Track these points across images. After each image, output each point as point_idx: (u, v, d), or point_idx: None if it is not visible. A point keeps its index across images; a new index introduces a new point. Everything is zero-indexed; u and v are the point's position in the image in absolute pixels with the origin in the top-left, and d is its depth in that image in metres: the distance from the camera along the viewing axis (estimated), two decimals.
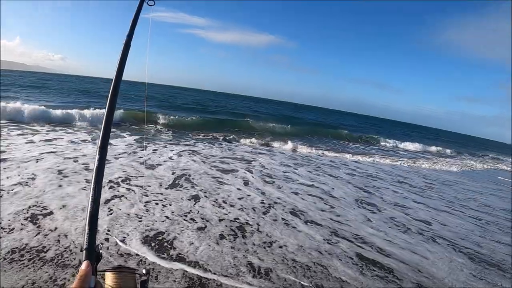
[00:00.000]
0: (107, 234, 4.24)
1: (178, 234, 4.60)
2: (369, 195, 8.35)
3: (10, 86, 23.86)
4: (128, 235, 4.31)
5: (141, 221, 4.84)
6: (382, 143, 23.76)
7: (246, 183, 7.72)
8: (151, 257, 3.78)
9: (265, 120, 21.02)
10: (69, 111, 13.12)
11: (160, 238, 4.33)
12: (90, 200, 0.72)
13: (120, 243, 4.03)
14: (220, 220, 5.27)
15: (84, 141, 10.07)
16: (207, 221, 5.17)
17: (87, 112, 13.28)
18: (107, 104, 0.85)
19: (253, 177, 8.38)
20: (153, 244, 4.09)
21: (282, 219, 5.75)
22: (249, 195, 6.79)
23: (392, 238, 5.61)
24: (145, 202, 5.58)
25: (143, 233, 4.44)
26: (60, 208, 4.80)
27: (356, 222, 6.23)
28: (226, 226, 5.04)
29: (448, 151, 26.55)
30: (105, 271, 0.69)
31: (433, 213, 7.77)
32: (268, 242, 4.67)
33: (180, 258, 3.84)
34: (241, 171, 8.85)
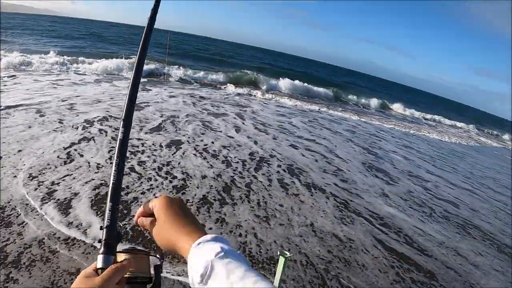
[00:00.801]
0: (50, 187, 3.36)
1: (142, 194, 3.58)
2: (375, 157, 7.51)
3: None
4: (79, 193, 3.37)
5: (97, 173, 3.84)
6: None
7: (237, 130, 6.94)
8: (93, 231, 2.87)
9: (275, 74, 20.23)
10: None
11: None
12: (113, 173, 0.65)
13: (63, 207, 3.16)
14: (203, 177, 4.34)
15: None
16: (188, 177, 4.29)
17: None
18: (133, 72, 0.77)
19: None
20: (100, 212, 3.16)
21: (278, 180, 4.85)
22: (239, 145, 5.88)
23: (418, 223, 4.60)
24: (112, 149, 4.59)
25: (96, 190, 3.46)
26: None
27: (369, 193, 5.28)
28: (211, 187, 4.18)
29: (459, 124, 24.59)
30: (117, 252, 0.62)
31: (455, 192, 6.76)
32: (262, 217, 3.74)
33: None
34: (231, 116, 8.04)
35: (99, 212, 3.09)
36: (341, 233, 3.74)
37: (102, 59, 13.14)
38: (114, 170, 0.65)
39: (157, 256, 0.66)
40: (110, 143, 4.82)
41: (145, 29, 0.84)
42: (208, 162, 4.91)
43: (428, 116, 23.36)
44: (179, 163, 4.61)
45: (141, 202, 3.41)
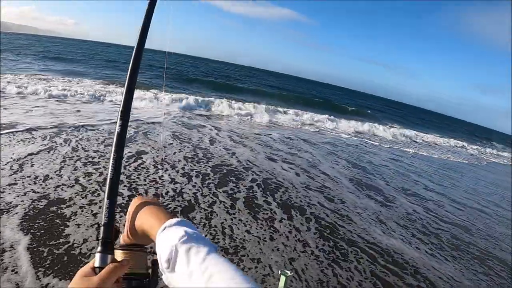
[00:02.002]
0: None
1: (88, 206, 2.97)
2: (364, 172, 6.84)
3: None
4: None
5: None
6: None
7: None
8: None
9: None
10: None
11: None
12: (110, 169, 0.63)
13: None
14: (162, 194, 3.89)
15: None
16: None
17: None
18: (130, 65, 0.74)
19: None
20: None
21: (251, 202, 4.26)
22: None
23: (431, 261, 3.86)
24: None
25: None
26: None
27: (363, 221, 4.58)
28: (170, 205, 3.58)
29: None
30: (115, 248, 0.62)
31: (462, 212, 6.11)
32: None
33: None
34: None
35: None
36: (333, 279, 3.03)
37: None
38: (112, 165, 0.63)
39: (155, 251, 0.61)
40: None
41: (144, 15, 0.79)
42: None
43: (452, 142, 21.56)
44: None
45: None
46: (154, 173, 4.50)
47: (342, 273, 3.13)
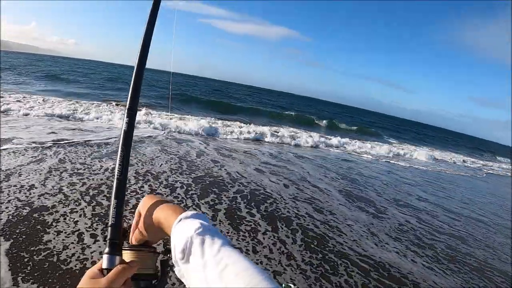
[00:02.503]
0: None
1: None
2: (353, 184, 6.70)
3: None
4: None
5: None
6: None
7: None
8: None
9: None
10: None
11: None
12: (117, 168, 0.62)
13: None
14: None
15: None
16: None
17: None
18: (137, 59, 0.72)
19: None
20: None
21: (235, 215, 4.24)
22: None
23: (430, 274, 3.78)
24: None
25: None
26: None
27: (354, 232, 4.55)
28: None
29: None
30: (123, 249, 0.61)
31: (460, 222, 6.07)
32: None
33: None
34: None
35: None
36: None
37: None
38: (119, 165, 0.62)
39: (164, 252, 0.64)
40: None
41: (151, 6, 0.78)
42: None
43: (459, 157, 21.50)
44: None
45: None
46: (134, 183, 4.59)
47: None
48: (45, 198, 3.67)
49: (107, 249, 0.56)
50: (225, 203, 4.52)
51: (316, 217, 4.70)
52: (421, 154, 16.71)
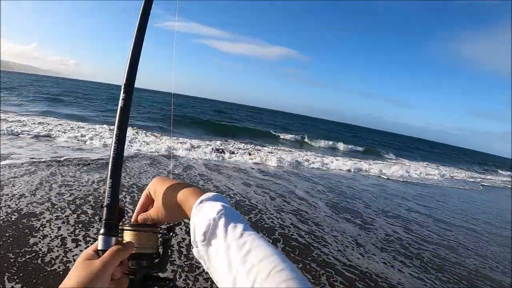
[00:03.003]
0: None
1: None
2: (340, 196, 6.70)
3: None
4: None
5: None
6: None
7: None
8: None
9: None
10: None
11: None
12: (113, 147, 0.60)
13: None
14: None
15: None
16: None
17: None
18: (135, 31, 0.69)
19: None
20: None
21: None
22: None
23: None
24: None
25: None
26: None
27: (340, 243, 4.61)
28: None
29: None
30: (123, 229, 0.61)
31: (451, 233, 6.01)
32: None
33: None
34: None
35: None
36: None
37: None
38: (115, 143, 0.60)
39: (166, 230, 0.64)
40: None
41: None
42: None
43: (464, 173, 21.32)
44: None
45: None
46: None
47: None
48: (33, 206, 3.84)
49: (102, 230, 0.55)
50: None
51: (301, 227, 4.79)
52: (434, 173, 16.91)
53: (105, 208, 0.57)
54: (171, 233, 0.64)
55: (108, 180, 0.58)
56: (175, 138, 11.92)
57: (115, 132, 0.61)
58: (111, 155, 0.59)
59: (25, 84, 32.04)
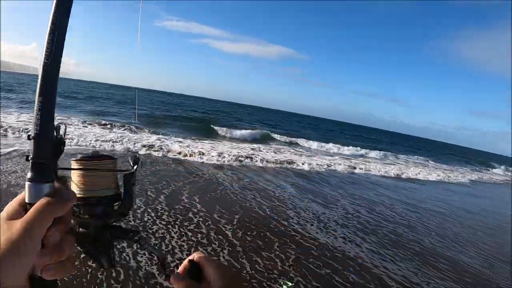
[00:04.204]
0: None
1: None
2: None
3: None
4: None
5: None
6: None
7: None
8: None
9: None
10: None
11: None
12: (43, 58, 0.40)
13: None
14: None
15: None
16: None
17: None
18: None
19: None
20: None
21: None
22: None
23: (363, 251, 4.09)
24: None
25: None
26: None
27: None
28: None
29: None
30: (68, 168, 0.43)
31: (417, 214, 6.09)
32: None
33: None
34: None
35: None
36: None
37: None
38: (45, 52, 0.40)
39: (130, 162, 0.48)
40: None
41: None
42: None
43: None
44: None
45: None
46: None
47: (260, 261, 3.28)
48: None
49: (29, 174, 0.39)
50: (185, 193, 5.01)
51: (264, 202, 5.17)
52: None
53: (32, 140, 0.39)
54: (136, 166, 0.48)
55: (37, 100, 0.39)
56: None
57: (46, 35, 0.40)
58: (41, 64, 0.40)
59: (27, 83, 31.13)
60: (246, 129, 19.05)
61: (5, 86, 22.07)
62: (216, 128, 18.13)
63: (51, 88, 0.40)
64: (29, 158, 0.39)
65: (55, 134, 0.40)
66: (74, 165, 0.45)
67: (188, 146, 9.57)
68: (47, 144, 0.40)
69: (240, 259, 3.27)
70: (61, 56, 0.41)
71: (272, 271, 3.11)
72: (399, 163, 17.95)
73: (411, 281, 3.58)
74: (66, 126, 0.44)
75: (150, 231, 3.46)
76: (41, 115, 0.39)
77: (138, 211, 3.87)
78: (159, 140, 9.77)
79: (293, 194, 6.25)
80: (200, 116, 24.36)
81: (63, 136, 0.42)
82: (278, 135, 20.76)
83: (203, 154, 8.71)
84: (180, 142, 10.42)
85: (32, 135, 0.39)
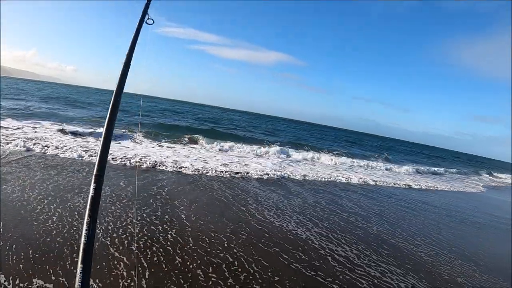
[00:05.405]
0: None
1: None
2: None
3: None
4: None
5: None
6: None
7: None
8: None
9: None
10: None
11: None
12: (84, 234, 0.57)
13: None
14: None
15: None
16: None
17: None
18: (104, 128, 0.77)
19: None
20: None
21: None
22: None
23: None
24: None
25: None
26: None
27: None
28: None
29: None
30: None
31: (381, 207, 6.26)
32: None
33: None
34: None
35: None
36: None
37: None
38: (85, 230, 0.58)
39: None
40: None
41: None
42: None
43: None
44: None
45: None
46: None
47: (208, 240, 3.65)
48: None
49: None
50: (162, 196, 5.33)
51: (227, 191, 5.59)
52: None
53: None
54: None
55: (79, 265, 0.54)
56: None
57: (85, 218, 0.59)
58: (82, 240, 0.57)
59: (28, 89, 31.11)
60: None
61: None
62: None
63: (88, 261, 0.56)
64: None
65: None
66: None
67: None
68: None
69: (186, 237, 3.62)
70: (93, 247, 0.53)
71: (217, 248, 3.41)
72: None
73: (353, 263, 3.82)
74: None
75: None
76: (82, 278, 0.55)
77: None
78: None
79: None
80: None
81: None
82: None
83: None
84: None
85: None
